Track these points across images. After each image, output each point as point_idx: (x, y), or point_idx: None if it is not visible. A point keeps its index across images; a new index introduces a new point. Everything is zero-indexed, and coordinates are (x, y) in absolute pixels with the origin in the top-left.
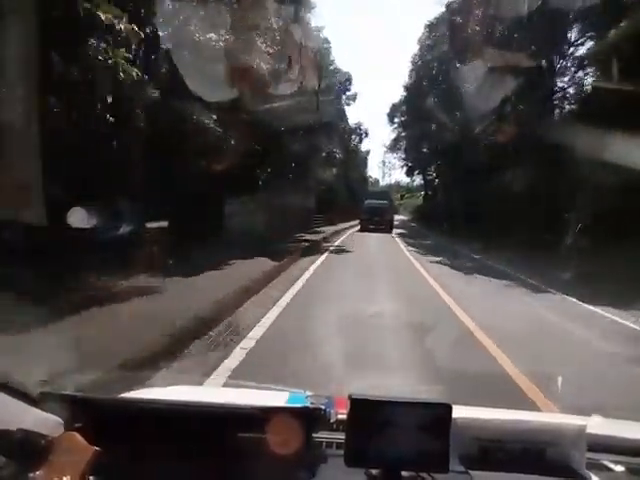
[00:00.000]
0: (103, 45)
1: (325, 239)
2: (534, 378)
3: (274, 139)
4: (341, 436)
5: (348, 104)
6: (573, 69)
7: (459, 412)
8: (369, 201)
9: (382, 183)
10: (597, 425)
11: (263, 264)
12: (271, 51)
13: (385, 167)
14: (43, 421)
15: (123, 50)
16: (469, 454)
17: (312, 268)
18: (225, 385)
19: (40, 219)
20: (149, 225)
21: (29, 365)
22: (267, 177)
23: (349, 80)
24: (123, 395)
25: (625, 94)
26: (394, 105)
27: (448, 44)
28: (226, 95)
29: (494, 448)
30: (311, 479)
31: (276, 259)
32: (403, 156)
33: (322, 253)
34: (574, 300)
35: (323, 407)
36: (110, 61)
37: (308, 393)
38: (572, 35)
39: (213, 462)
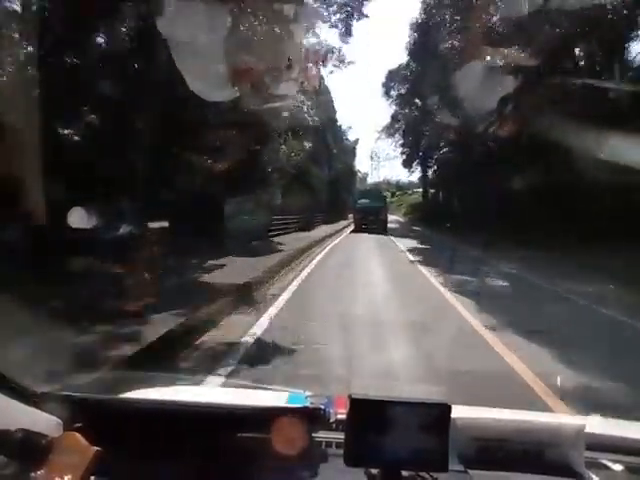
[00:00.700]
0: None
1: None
2: None
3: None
4: (341, 436)
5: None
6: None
7: (458, 412)
8: (362, 200)
9: (371, 179)
10: (596, 424)
11: None
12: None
13: (373, 161)
14: (43, 421)
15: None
16: (468, 453)
17: None
18: (225, 385)
19: (40, 219)
20: (150, 225)
21: None
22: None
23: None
24: (123, 395)
25: None
26: (390, 72)
27: None
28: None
29: (493, 447)
30: (311, 479)
31: None
32: (401, 141)
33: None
34: None
35: (323, 407)
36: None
37: (308, 393)
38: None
39: (213, 462)
